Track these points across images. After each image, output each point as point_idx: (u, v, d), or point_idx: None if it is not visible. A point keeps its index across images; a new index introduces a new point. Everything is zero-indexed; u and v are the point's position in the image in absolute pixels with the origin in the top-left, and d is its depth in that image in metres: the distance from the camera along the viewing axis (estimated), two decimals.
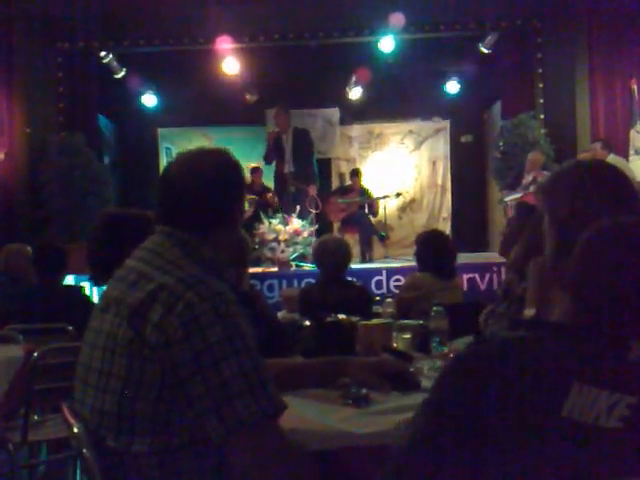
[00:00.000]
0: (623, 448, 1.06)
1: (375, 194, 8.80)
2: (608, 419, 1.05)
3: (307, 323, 2.25)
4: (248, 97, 9.42)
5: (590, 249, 1.18)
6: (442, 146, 10.19)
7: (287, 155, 7.87)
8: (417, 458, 1.08)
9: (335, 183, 10.04)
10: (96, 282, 2.19)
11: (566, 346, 1.11)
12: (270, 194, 8.35)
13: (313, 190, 8.01)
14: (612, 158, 6.48)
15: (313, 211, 7.92)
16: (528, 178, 7.17)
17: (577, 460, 1.04)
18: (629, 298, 1.11)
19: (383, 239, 8.66)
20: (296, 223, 7.24)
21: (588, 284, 1.15)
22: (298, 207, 7.54)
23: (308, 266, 6.97)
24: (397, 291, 5.20)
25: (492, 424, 1.05)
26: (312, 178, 8.08)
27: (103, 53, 8.22)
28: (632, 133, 7.23)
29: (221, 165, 1.49)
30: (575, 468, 1.04)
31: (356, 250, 7.62)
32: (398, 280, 6.64)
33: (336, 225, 8.72)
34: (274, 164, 8.16)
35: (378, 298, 4.59)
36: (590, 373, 1.07)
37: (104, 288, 1.47)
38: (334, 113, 9.91)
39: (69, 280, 5.45)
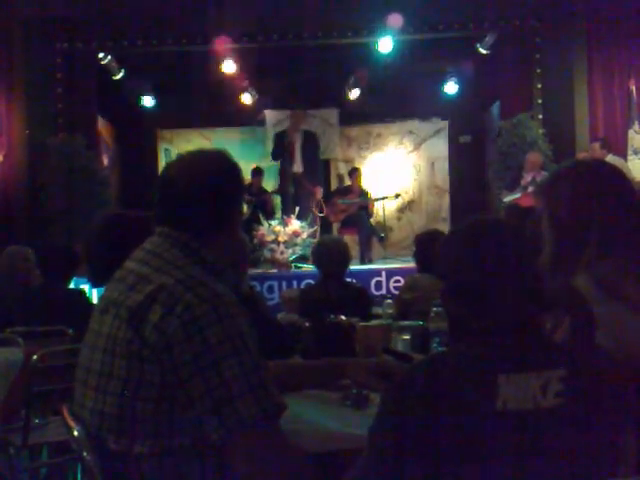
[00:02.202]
0: (568, 421, 1.08)
1: (374, 195, 8.82)
2: (545, 398, 1.07)
3: (307, 324, 2.26)
4: (247, 98, 9.40)
5: (448, 255, 1.24)
6: (441, 147, 10.19)
7: (297, 155, 7.94)
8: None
9: (334, 184, 10.04)
10: (94, 283, 2.19)
11: (479, 347, 1.14)
12: (269, 196, 8.38)
13: (319, 192, 8.08)
14: (611, 158, 6.49)
15: (319, 214, 7.98)
16: (527, 178, 7.19)
17: (524, 447, 1.06)
18: (497, 285, 1.15)
19: (382, 240, 8.66)
20: (295, 224, 7.24)
21: (465, 286, 1.19)
22: (297, 208, 7.55)
23: (308, 267, 6.97)
24: (397, 292, 5.20)
25: (437, 439, 1.07)
26: (318, 180, 8.17)
27: (102, 54, 8.21)
28: (630, 133, 7.24)
29: (220, 167, 1.48)
30: (523, 454, 1.06)
31: (355, 251, 7.62)
32: (397, 281, 6.64)
33: (335, 226, 8.72)
34: (279, 164, 8.23)
35: (378, 299, 4.59)
36: (511, 362, 1.10)
37: (103, 290, 1.47)
38: (333, 114, 9.90)
39: None
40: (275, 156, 8.28)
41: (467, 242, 1.21)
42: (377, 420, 1.15)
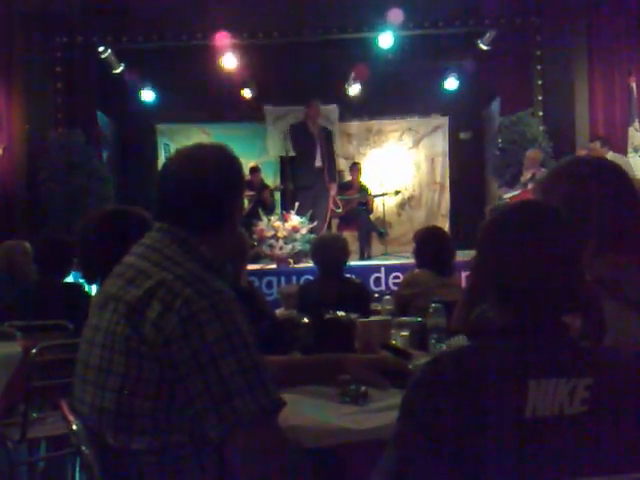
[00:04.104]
0: (592, 429, 1.06)
1: (374, 191, 8.81)
2: (571, 405, 1.05)
3: (305, 320, 2.25)
4: (246, 93, 9.40)
5: (484, 247, 1.20)
6: (441, 143, 10.18)
7: (318, 149, 7.94)
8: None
9: None
10: (88, 280, 2.16)
11: (511, 347, 1.10)
12: (268, 191, 8.38)
13: (333, 189, 8.07)
14: (611, 155, 6.50)
15: (337, 210, 7.98)
16: (527, 175, 7.19)
17: (546, 454, 1.05)
18: (540, 282, 1.11)
19: (382, 236, 8.67)
20: (294, 220, 7.24)
21: (501, 281, 1.15)
22: (297, 204, 7.55)
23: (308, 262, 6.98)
24: (396, 288, 5.20)
25: (458, 437, 1.05)
26: (334, 177, 8.17)
27: (101, 48, 8.20)
28: (630, 130, 7.24)
29: (221, 162, 1.48)
30: (545, 461, 1.05)
31: (355, 247, 7.62)
32: (397, 277, 6.65)
33: (335, 222, 8.73)
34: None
35: (377, 295, 4.60)
36: (542, 366, 1.08)
37: (101, 285, 1.46)
38: (333, 110, 9.89)
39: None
40: (297, 148, 8.19)
41: (514, 231, 1.15)
42: (402, 417, 1.12)
